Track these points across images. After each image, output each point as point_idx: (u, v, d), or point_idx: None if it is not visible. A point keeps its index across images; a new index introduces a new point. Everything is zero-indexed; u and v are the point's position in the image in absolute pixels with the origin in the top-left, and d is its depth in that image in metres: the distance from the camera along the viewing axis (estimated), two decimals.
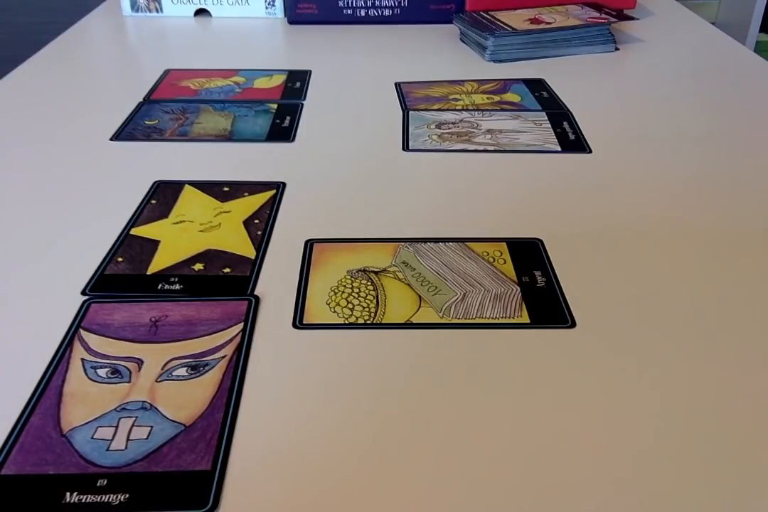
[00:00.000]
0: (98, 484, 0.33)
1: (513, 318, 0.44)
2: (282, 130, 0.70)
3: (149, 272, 0.48)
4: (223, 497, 0.33)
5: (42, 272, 0.48)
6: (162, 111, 0.74)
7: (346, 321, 0.44)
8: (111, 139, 0.68)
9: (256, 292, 0.46)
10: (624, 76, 0.83)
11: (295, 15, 1.02)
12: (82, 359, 0.41)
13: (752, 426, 0.36)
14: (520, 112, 0.73)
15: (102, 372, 0.40)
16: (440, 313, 0.45)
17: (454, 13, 0.98)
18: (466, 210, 0.56)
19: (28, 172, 0.62)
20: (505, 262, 0.49)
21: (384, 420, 0.37)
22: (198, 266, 0.49)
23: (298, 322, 0.44)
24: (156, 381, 0.39)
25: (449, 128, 0.70)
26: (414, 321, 0.44)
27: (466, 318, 0.44)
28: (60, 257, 0.50)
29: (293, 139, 0.68)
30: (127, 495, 0.33)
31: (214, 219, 0.55)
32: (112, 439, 0.35)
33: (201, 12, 1.06)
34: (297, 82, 0.82)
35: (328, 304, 0.45)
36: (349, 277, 0.48)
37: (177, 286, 0.47)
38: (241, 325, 0.43)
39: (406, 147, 0.66)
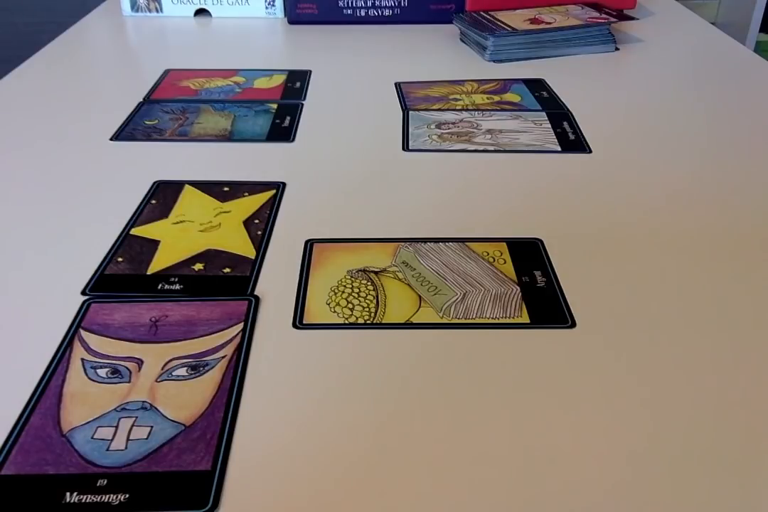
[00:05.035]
0: (98, 484, 0.33)
1: (513, 318, 0.44)
2: (282, 130, 0.70)
3: (149, 272, 0.48)
4: (223, 497, 0.33)
5: (42, 272, 0.48)
6: (162, 111, 0.74)
7: (346, 321, 0.44)
8: (111, 139, 0.68)
9: (256, 292, 0.46)
10: (624, 76, 0.83)
11: (295, 15, 1.02)
12: (82, 359, 0.41)
13: (753, 426, 0.36)
14: (520, 112, 0.73)
15: (102, 372, 0.40)
16: (440, 313, 0.45)
17: (454, 13, 0.98)
18: (466, 210, 0.56)
19: (28, 172, 0.62)
20: (505, 262, 0.49)
21: (384, 420, 0.37)
22: (198, 266, 0.49)
23: (298, 322, 0.44)
24: (156, 381, 0.39)
25: (449, 128, 0.70)
26: (414, 322, 0.44)
27: (466, 319, 0.44)
28: (60, 257, 0.50)
29: (293, 139, 0.68)
30: (127, 495, 0.33)
31: (214, 219, 0.55)
32: (112, 439, 0.35)
33: (201, 12, 1.06)
34: (297, 82, 0.82)
35: (328, 304, 0.45)
36: (349, 277, 0.48)
37: (177, 286, 0.47)
38: (241, 325, 0.43)
39: (406, 147, 0.66)
